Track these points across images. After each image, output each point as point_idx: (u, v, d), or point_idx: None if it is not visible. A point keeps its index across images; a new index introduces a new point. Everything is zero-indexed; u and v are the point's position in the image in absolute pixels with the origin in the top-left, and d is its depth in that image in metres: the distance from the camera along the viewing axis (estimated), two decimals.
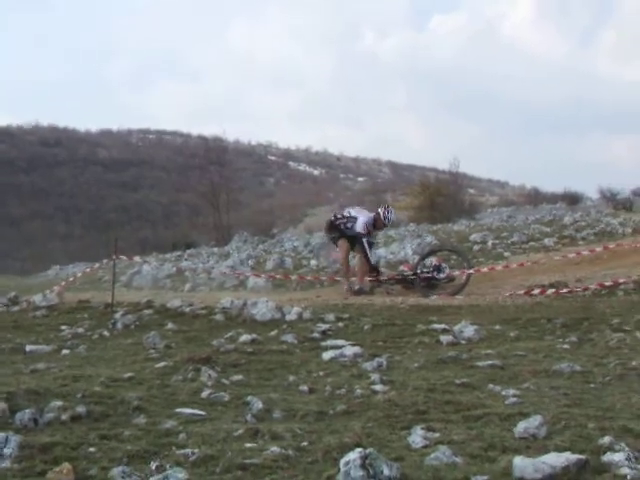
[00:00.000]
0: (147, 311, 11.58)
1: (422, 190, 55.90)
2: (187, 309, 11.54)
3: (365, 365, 6.90)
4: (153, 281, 22.10)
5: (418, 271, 15.21)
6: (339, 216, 15.70)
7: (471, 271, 14.89)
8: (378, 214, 15.45)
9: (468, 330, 8.71)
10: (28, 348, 8.60)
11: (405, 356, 7.52)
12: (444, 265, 15.16)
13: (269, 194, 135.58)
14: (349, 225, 15.47)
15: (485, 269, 16.43)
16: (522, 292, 13.72)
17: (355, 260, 15.70)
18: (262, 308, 10.68)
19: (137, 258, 20.11)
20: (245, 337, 8.61)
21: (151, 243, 75.68)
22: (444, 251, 18.19)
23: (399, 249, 24.43)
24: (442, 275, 14.88)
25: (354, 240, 15.36)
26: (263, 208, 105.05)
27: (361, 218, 15.41)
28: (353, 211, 15.76)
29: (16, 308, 13.21)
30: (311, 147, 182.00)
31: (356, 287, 15.08)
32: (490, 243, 25.90)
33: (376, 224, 15.53)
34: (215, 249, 42.22)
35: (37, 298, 13.45)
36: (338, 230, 15.59)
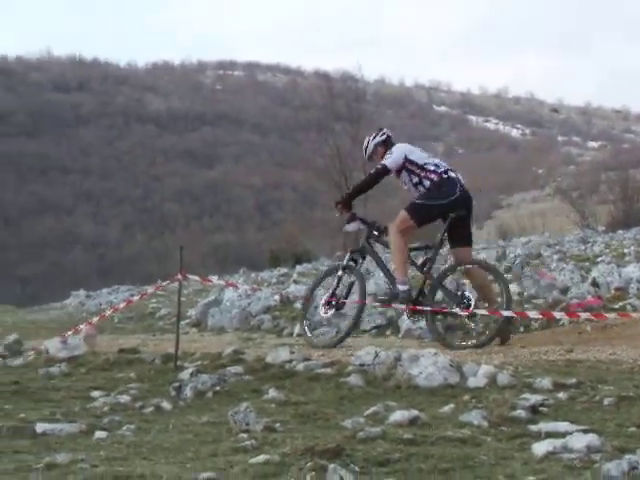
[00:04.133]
0: (233, 368, 9.54)
1: None
2: (300, 366, 9.42)
3: (608, 467, 5.20)
4: (242, 318, 17.21)
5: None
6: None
7: (510, 313, 10.87)
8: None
9: None
10: (40, 428, 7.08)
11: None
12: (468, 292, 11.25)
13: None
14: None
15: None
16: None
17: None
18: (428, 366, 8.60)
19: (215, 279, 17.19)
20: (400, 415, 6.93)
21: (235, 253, 68.97)
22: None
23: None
24: (463, 309, 11.00)
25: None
26: None
27: None
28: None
29: (18, 361, 11.17)
30: (506, 90, 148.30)
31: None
32: None
33: None
34: None
35: (52, 345, 11.34)
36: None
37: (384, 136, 11.58)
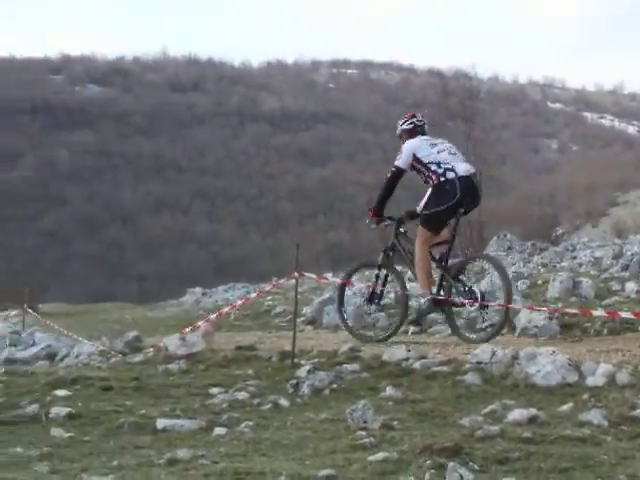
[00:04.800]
0: (350, 366, 9.54)
1: None
2: (417, 364, 9.36)
3: None
4: (357, 316, 17.03)
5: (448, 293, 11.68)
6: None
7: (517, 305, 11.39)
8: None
9: None
10: (160, 424, 7.22)
11: None
12: (476, 288, 11.59)
13: (549, 168, 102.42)
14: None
15: None
16: None
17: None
18: (545, 365, 8.40)
19: (330, 276, 17.19)
20: (518, 413, 6.89)
21: (349, 251, 68.30)
22: (477, 262, 14.60)
23: None
24: (472, 302, 11.37)
25: None
26: (539, 192, 74.44)
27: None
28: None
29: (138, 358, 11.21)
30: (622, 86, 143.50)
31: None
32: None
33: None
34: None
35: (171, 342, 11.37)
36: None
37: (411, 125, 11.88)
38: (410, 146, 11.57)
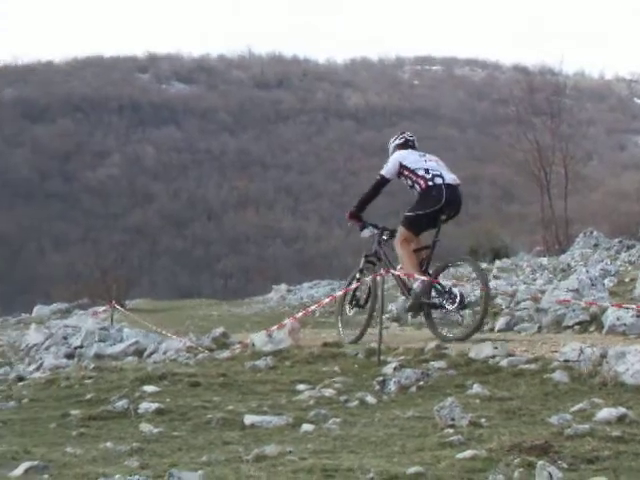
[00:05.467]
0: (437, 363, 9.62)
1: None
2: (504, 362, 9.35)
3: None
4: (442, 313, 16.97)
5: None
6: None
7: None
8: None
9: None
10: (248, 420, 7.43)
11: None
12: (455, 290, 11.83)
13: (635, 164, 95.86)
14: None
15: None
16: None
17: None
18: (635, 363, 8.24)
19: (416, 275, 16.84)
20: (607, 412, 6.89)
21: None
22: (459, 265, 14.83)
23: None
24: (452, 305, 11.70)
25: None
26: (625, 189, 69.58)
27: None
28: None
29: (225, 354, 11.46)
30: None
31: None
32: None
33: None
34: (544, 259, 31.55)
35: (258, 338, 11.63)
36: None
37: (402, 140, 12.23)
38: (397, 156, 11.96)
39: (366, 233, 12.42)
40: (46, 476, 5.38)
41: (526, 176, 46.37)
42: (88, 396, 8.80)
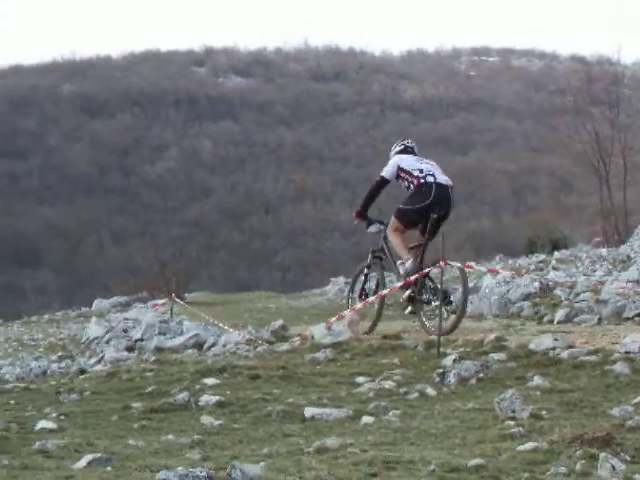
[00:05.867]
0: (496, 355, 9.64)
1: None
2: (564, 354, 9.34)
3: None
4: (501, 304, 16.50)
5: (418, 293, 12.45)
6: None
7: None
8: None
9: None
10: (308, 412, 7.48)
11: None
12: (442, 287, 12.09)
13: None
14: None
15: None
16: None
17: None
18: None
19: (474, 265, 16.74)
20: None
21: (491, 240, 65.49)
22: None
23: None
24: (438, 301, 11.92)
25: None
26: None
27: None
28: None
29: (284, 347, 11.52)
30: None
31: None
32: None
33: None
34: (603, 250, 30.02)
35: (317, 331, 11.57)
36: None
37: (402, 146, 12.93)
38: (396, 159, 12.65)
39: (372, 229, 13.10)
40: (109, 468, 5.44)
41: (584, 167, 45.06)
42: (149, 389, 8.87)
